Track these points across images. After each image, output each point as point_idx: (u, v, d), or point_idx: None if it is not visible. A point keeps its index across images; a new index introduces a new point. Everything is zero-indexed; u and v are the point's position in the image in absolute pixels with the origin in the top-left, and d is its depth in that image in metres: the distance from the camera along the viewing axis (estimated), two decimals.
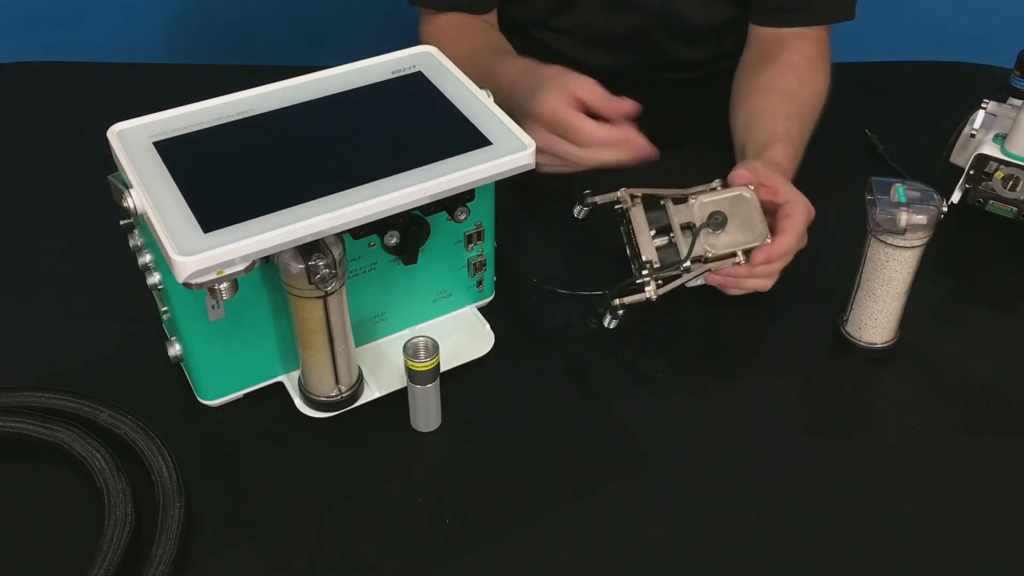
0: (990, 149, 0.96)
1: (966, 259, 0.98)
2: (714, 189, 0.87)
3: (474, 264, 0.86)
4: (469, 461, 0.79)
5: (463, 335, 0.86)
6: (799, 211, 0.85)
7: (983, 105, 0.99)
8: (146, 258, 0.75)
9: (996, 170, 0.95)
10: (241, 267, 0.67)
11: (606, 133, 0.87)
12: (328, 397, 0.79)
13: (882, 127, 1.12)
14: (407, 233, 0.77)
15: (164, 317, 0.81)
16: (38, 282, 0.93)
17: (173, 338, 0.79)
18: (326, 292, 0.72)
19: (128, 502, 0.71)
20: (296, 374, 0.80)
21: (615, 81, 0.90)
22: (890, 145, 1.10)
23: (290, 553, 0.71)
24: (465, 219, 0.78)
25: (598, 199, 0.90)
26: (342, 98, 0.80)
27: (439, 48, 0.85)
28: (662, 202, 0.86)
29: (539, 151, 0.77)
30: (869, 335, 0.86)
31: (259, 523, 0.73)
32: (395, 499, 0.75)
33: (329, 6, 1.83)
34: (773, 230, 0.85)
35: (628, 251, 0.89)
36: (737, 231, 0.85)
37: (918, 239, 0.80)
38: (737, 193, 0.86)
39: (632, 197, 0.87)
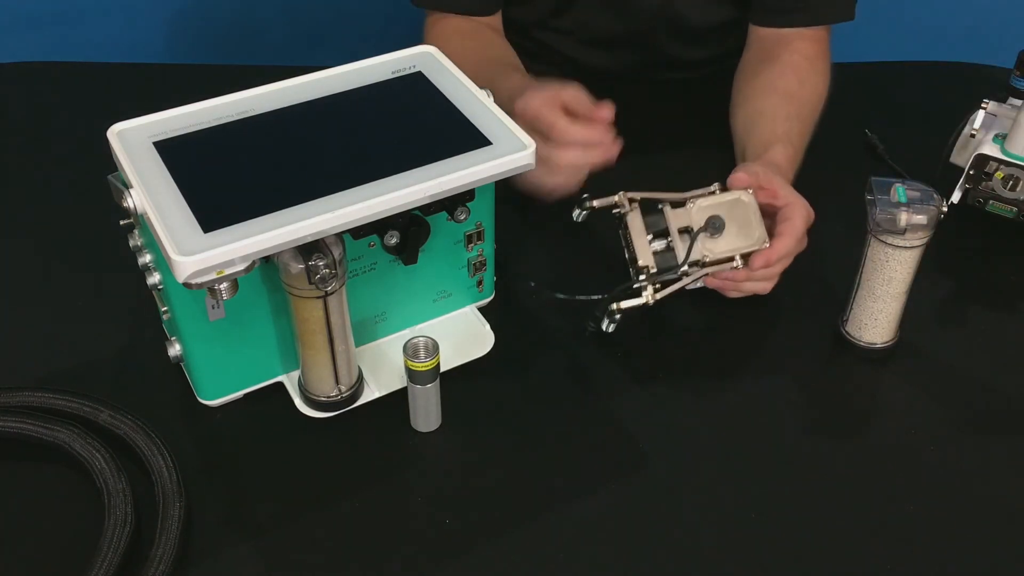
0: (990, 149, 0.96)
1: (966, 259, 0.98)
2: (713, 193, 0.87)
3: (474, 264, 0.86)
4: (469, 461, 0.79)
5: (463, 335, 0.86)
6: (798, 214, 0.85)
7: (983, 105, 0.99)
8: (146, 258, 0.75)
9: (996, 170, 0.95)
10: (241, 267, 0.67)
11: (582, 133, 0.87)
12: (328, 397, 0.78)
13: (882, 127, 1.12)
14: (407, 233, 0.77)
15: (164, 317, 0.81)
16: (38, 282, 0.93)
17: (173, 338, 0.79)
18: (326, 292, 0.72)
19: (128, 502, 0.71)
20: (296, 374, 0.80)
21: (615, 81, 0.91)
22: (890, 145, 1.10)
23: (290, 553, 0.71)
24: (465, 219, 0.78)
25: (596, 203, 0.90)
26: (342, 98, 0.80)
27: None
28: (660, 206, 0.86)
29: None
30: (869, 335, 0.86)
31: (259, 523, 0.73)
32: (395, 499, 0.75)
33: (329, 6, 1.83)
34: (772, 233, 0.85)
35: (627, 255, 0.89)
36: (735, 235, 0.85)
37: (918, 239, 0.80)
38: (735, 197, 0.86)
39: (630, 201, 0.87)
